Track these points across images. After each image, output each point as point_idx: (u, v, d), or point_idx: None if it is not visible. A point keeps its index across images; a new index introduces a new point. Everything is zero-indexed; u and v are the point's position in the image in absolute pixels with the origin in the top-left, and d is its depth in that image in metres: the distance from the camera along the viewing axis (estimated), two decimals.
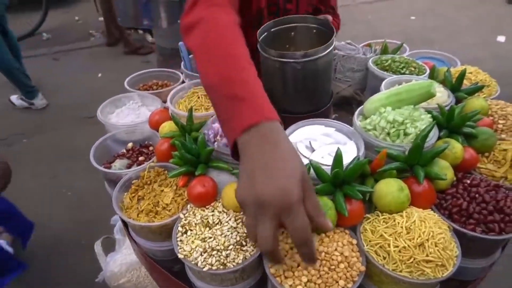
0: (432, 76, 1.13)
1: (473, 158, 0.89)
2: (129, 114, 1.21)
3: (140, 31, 4.56)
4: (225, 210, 0.81)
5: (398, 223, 0.74)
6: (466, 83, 1.16)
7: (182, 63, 1.27)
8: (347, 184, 0.78)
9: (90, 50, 4.61)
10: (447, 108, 0.96)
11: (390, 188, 0.76)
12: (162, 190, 0.91)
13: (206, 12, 0.80)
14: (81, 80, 3.89)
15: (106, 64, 4.21)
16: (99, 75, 4.00)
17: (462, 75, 1.04)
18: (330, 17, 1.10)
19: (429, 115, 0.91)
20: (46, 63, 4.37)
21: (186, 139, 0.92)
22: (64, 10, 5.68)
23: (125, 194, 0.93)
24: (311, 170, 0.78)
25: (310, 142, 0.91)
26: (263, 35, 1.11)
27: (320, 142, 0.91)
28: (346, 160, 0.81)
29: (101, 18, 4.86)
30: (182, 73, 1.31)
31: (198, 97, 1.11)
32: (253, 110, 0.61)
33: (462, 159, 0.88)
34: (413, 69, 1.19)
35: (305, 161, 0.81)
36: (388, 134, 0.88)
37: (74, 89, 3.74)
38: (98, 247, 1.71)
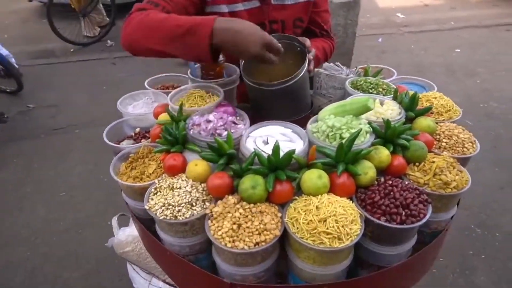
0: (395, 97, 1.30)
1: (401, 164, 1.06)
2: (143, 107, 1.50)
3: None
4: (187, 180, 1.04)
5: (312, 202, 0.93)
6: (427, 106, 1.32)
7: (189, 70, 1.54)
8: (280, 169, 0.98)
9: (144, 59, 5.14)
10: (393, 123, 1.13)
11: (310, 176, 0.96)
12: (149, 164, 1.17)
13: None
14: (131, 82, 4.39)
15: (155, 73, 4.69)
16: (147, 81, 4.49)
17: (413, 97, 1.20)
18: (308, 42, 1.32)
19: (368, 125, 1.09)
20: (106, 65, 4.98)
21: (174, 126, 1.18)
22: None
23: (123, 163, 1.20)
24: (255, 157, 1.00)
25: (267, 138, 1.13)
26: None
27: (275, 139, 1.12)
28: None
29: None
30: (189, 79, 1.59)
31: (195, 97, 1.37)
32: (203, 23, 1.04)
33: (391, 165, 1.05)
34: (381, 90, 1.37)
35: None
36: (327, 136, 1.07)
37: (122, 88, 4.24)
38: (114, 221, 2.02)
